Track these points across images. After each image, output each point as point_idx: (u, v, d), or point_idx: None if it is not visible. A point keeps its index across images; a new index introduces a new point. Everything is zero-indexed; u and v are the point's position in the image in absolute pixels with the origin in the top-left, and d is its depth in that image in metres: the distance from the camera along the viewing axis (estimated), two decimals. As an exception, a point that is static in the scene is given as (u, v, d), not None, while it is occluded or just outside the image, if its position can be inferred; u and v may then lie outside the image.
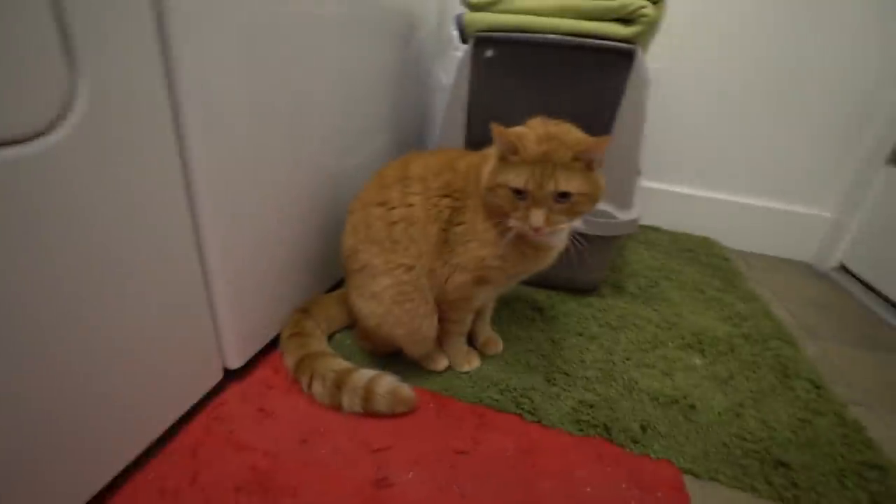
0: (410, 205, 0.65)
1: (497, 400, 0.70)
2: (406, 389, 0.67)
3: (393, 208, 0.66)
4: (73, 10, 0.38)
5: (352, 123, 0.87)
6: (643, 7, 0.75)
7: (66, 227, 0.41)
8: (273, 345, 0.76)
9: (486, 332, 0.82)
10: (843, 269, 1.31)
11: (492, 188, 0.59)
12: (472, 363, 0.76)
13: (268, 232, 0.69)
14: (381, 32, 0.90)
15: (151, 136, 0.48)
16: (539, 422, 0.67)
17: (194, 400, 0.63)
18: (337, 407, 0.66)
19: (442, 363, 0.75)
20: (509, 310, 0.93)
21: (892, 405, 0.80)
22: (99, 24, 0.40)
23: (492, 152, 0.61)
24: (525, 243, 0.62)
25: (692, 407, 0.71)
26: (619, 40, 0.79)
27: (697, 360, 0.84)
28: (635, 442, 0.65)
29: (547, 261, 0.67)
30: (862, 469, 0.63)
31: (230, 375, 0.70)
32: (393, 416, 0.66)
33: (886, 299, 1.14)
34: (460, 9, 0.89)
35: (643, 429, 0.67)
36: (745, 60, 1.23)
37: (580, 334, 0.88)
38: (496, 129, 0.56)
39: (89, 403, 0.48)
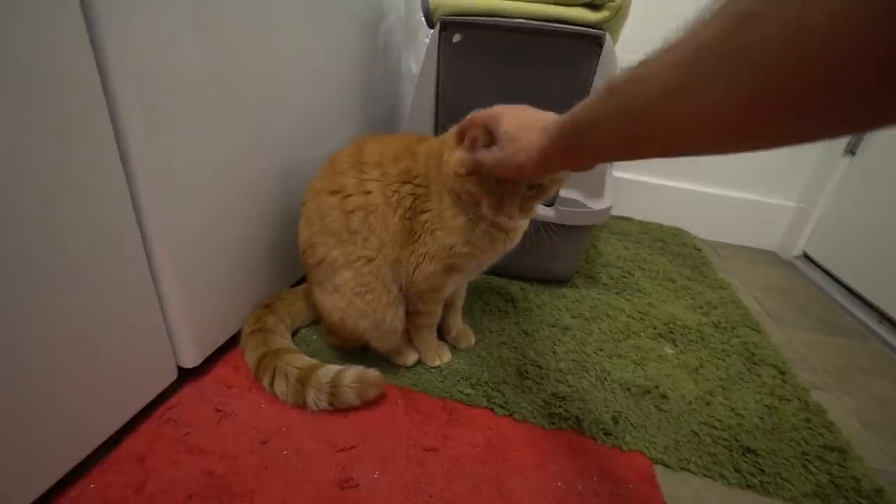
0: (368, 192, 0.62)
1: (468, 394, 0.68)
2: (373, 372, 0.65)
3: (349, 196, 0.63)
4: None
5: (318, 112, 0.83)
6: (611, -8, 0.74)
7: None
8: (234, 342, 0.72)
9: (458, 325, 0.80)
10: (806, 257, 1.35)
11: (462, 177, 0.56)
12: (443, 357, 0.74)
13: (222, 223, 0.65)
14: (348, 18, 0.87)
15: (83, 118, 0.44)
16: (511, 416, 0.66)
17: (144, 402, 0.59)
18: (301, 405, 0.63)
19: (411, 358, 0.73)
20: (482, 302, 0.91)
21: (851, 387, 0.82)
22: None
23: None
24: (494, 227, 0.61)
25: (664, 396, 0.71)
26: (588, 26, 0.77)
27: (669, 350, 0.84)
28: (607, 434, 0.64)
29: (515, 241, 0.66)
30: (823, 452, 0.64)
31: (186, 375, 0.66)
32: (363, 406, 0.64)
33: (845, 286, 1.18)
34: (427, -7, 0.87)
35: (615, 420, 0.66)
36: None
37: (553, 326, 0.87)
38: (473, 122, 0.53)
39: (21, 405, 0.43)
